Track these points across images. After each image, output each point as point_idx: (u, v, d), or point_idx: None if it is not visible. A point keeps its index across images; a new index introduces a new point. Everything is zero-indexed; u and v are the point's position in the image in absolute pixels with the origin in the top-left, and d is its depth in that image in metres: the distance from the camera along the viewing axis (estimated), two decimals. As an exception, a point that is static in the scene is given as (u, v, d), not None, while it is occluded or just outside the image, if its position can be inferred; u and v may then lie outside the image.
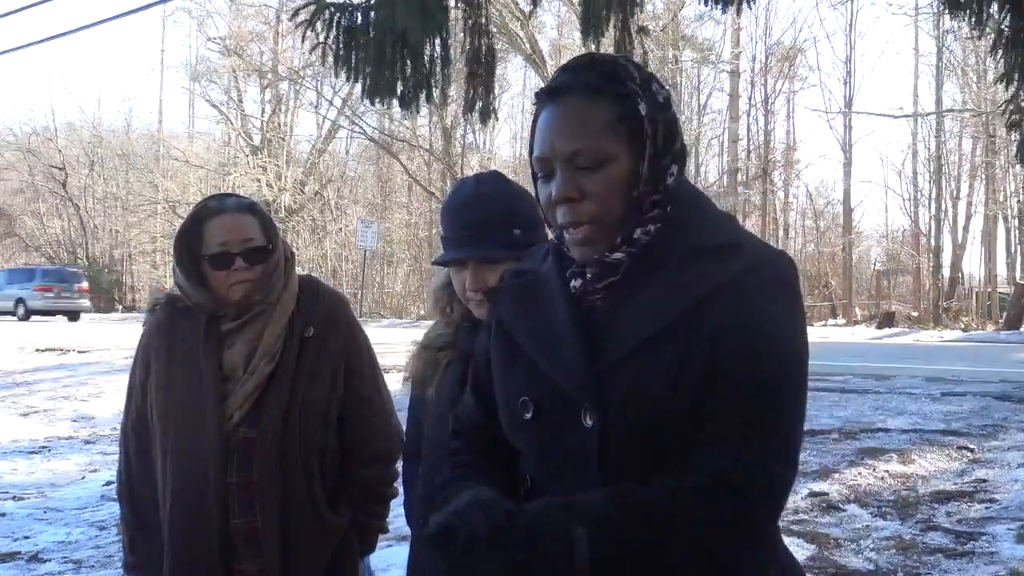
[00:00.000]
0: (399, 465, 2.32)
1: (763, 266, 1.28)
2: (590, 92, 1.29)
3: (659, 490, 1.20)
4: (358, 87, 5.45)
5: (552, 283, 1.37)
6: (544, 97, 1.34)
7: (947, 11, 6.33)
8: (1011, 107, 6.33)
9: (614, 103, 1.29)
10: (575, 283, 1.34)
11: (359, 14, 5.23)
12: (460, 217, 1.88)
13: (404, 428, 2.32)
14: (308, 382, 2.14)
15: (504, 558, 1.17)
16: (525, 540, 1.17)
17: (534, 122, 1.36)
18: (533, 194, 1.39)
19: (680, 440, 1.24)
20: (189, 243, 2.16)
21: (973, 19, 5.57)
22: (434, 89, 5.43)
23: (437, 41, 5.29)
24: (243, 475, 2.08)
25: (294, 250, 2.32)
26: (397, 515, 2.48)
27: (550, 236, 1.42)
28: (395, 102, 5.44)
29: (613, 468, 1.25)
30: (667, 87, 1.38)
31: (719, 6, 6.01)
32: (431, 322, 2.14)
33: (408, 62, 5.19)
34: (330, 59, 5.33)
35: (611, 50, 6.14)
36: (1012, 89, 6.07)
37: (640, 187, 1.29)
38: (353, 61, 5.27)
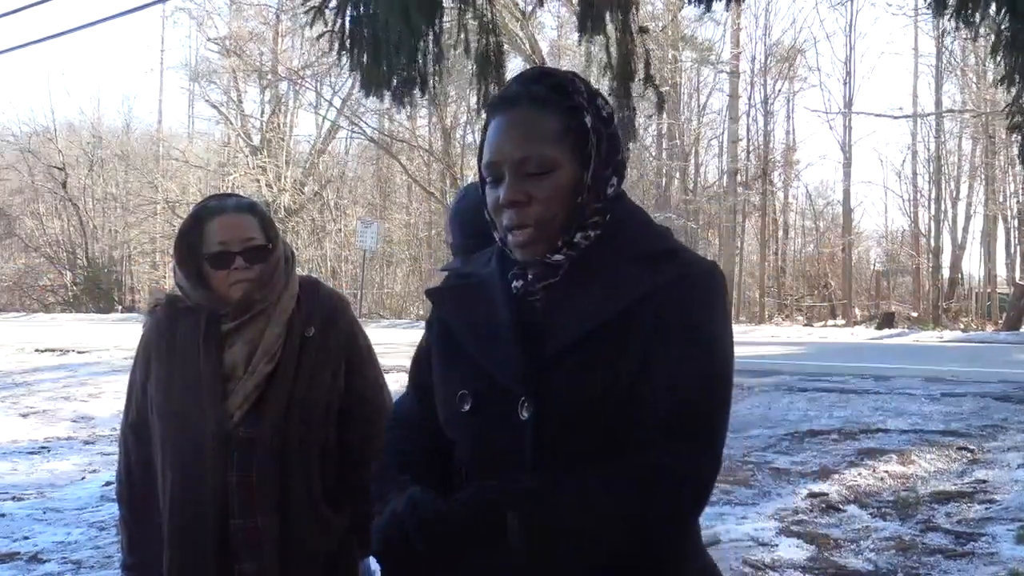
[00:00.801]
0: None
1: (697, 273, 1.36)
2: (539, 103, 1.37)
3: (592, 478, 1.26)
4: (357, 82, 5.53)
5: (494, 284, 1.44)
6: (495, 106, 1.41)
7: (933, 13, 6.33)
8: (1013, 109, 6.33)
9: (562, 114, 1.37)
10: (517, 284, 1.41)
11: (362, 5, 5.26)
12: (467, 224, 1.90)
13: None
14: (308, 382, 2.14)
15: (440, 550, 1.23)
16: (460, 530, 1.23)
17: (484, 129, 1.42)
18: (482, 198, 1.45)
19: (613, 434, 1.31)
20: (189, 243, 2.16)
21: (960, 21, 5.57)
22: (428, 84, 5.46)
23: (430, 38, 5.32)
24: (242, 475, 2.08)
25: (294, 250, 2.33)
26: (397, 515, 2.48)
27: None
28: (387, 96, 5.50)
29: (546, 460, 1.31)
30: (611, 104, 1.47)
31: (701, 5, 6.02)
32: (431, 322, 2.15)
33: (400, 57, 5.22)
34: (336, 48, 5.38)
35: (612, 50, 6.15)
36: (1014, 91, 6.07)
37: (583, 195, 1.37)
38: (356, 52, 5.32)
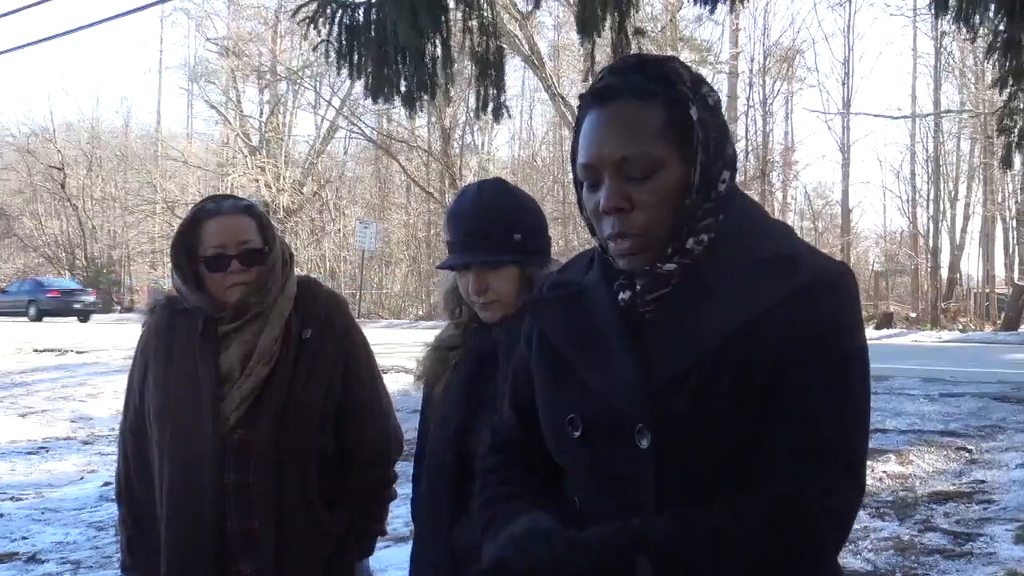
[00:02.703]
0: (398, 467, 2.33)
1: (827, 281, 1.22)
2: (640, 95, 1.23)
3: (722, 514, 1.15)
4: (359, 85, 5.53)
5: (599, 295, 1.31)
6: (590, 100, 1.27)
7: (934, 13, 6.33)
8: (1004, 112, 6.34)
9: (665, 107, 1.23)
10: (623, 295, 1.27)
11: (360, 12, 5.27)
12: (463, 223, 1.93)
13: (405, 429, 2.33)
14: (305, 384, 2.14)
15: None
16: (588, 571, 1.12)
17: (577, 126, 1.29)
18: (578, 202, 1.32)
19: (738, 460, 1.19)
20: (186, 245, 2.15)
21: (961, 22, 5.57)
22: (437, 89, 5.46)
23: (437, 41, 5.32)
24: (239, 477, 2.08)
25: (292, 251, 2.32)
26: (396, 516, 2.48)
27: (593, 244, 1.36)
28: (398, 101, 5.50)
29: (667, 490, 1.20)
30: (716, 90, 1.31)
31: (707, 6, 6.02)
32: (429, 323, 2.17)
33: (409, 62, 5.22)
34: (332, 57, 5.38)
35: (608, 52, 6.13)
36: (1007, 94, 6.08)
37: (692, 195, 1.23)
38: (355, 59, 5.32)
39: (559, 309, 1.35)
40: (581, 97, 1.30)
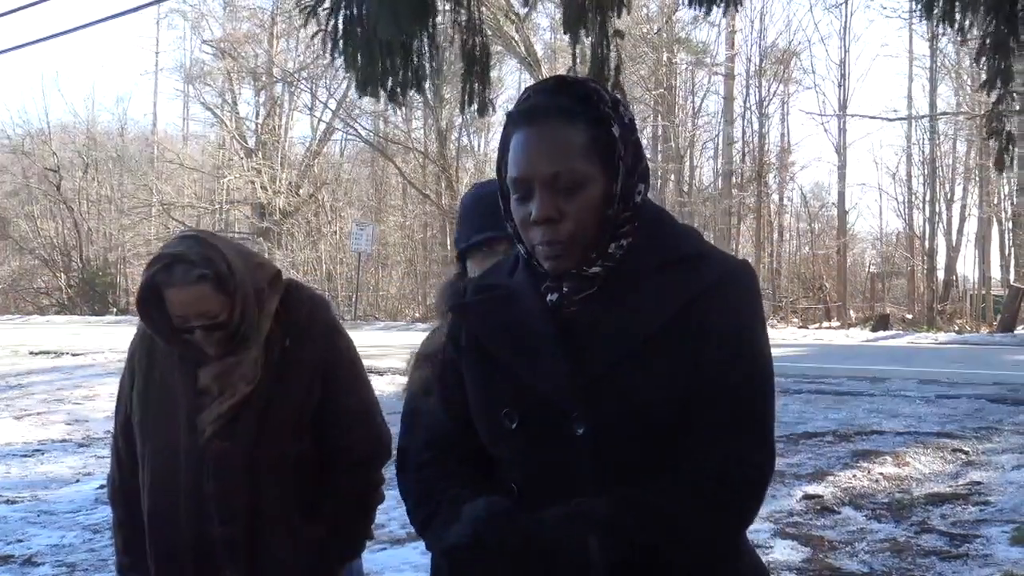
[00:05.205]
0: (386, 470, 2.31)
1: (733, 275, 1.37)
2: (566, 115, 1.35)
3: (658, 493, 1.28)
4: (353, 80, 5.54)
5: (527, 297, 1.42)
6: (518, 118, 1.38)
7: (922, 17, 6.34)
8: (992, 114, 6.33)
9: (590, 126, 1.35)
10: (552, 297, 1.39)
11: (355, 5, 5.27)
12: (484, 202, 1.90)
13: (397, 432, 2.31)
14: (284, 392, 2.12)
15: (528, 569, 1.23)
16: (546, 551, 1.22)
17: (504, 141, 1.39)
18: (503, 210, 1.43)
19: (666, 442, 1.31)
20: (152, 311, 2.08)
21: (948, 23, 5.57)
22: (423, 84, 5.47)
23: (424, 38, 5.32)
24: (217, 486, 2.07)
25: (279, 269, 2.26)
26: (391, 519, 2.47)
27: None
28: (383, 96, 5.51)
29: (603, 474, 1.31)
30: (631, 110, 1.45)
31: (702, 8, 6.02)
32: (426, 324, 2.15)
33: (393, 58, 5.23)
34: (329, 48, 5.40)
35: (587, 53, 6.14)
36: (995, 96, 6.08)
37: (614, 206, 1.36)
38: (350, 52, 5.32)
39: (486, 310, 1.46)
40: (509, 115, 1.41)
